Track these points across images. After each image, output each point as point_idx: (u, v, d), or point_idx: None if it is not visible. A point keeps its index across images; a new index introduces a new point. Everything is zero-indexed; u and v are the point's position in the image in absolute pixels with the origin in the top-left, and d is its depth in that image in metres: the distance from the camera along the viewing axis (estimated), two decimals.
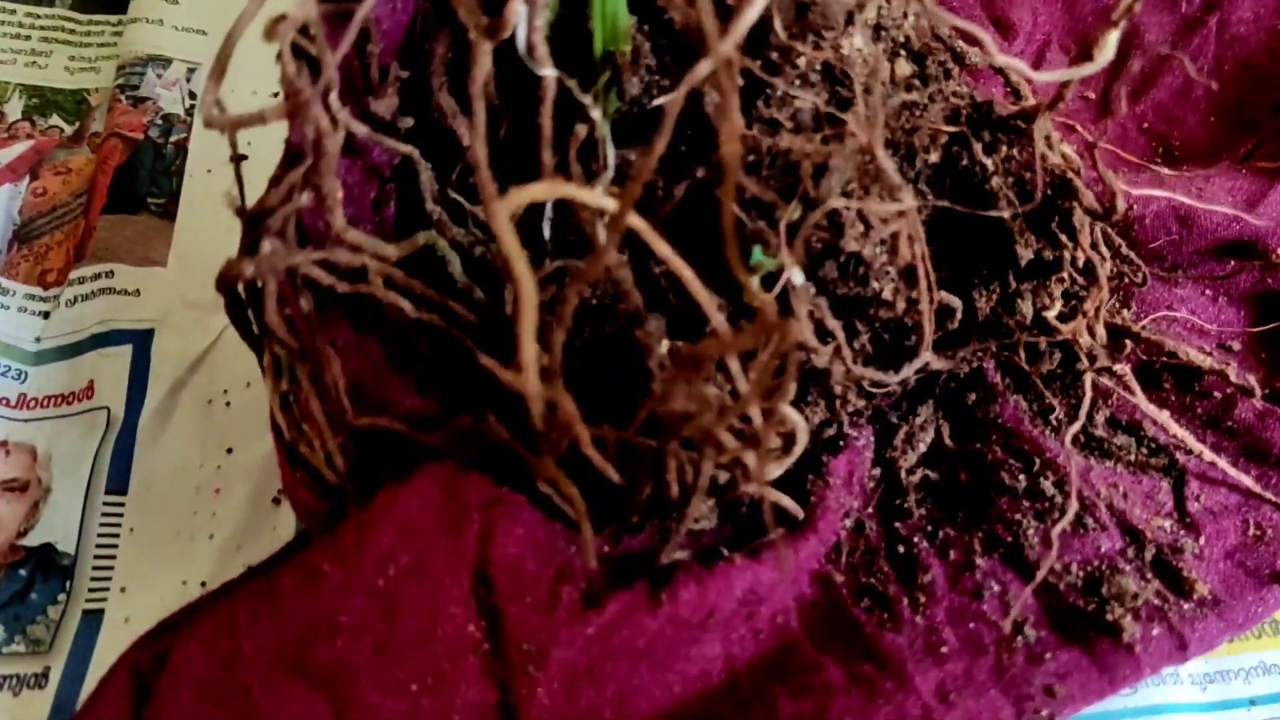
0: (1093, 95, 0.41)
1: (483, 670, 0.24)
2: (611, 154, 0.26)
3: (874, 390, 0.30)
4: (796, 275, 0.25)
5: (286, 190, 0.25)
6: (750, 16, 0.20)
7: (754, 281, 0.23)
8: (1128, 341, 0.31)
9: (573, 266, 0.26)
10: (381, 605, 0.23)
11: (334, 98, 0.25)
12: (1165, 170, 0.34)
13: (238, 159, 0.27)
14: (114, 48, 0.43)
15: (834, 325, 0.26)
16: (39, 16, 0.44)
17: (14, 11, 0.44)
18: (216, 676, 0.23)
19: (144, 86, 0.40)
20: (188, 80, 0.41)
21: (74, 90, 0.42)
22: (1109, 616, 0.26)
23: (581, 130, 0.26)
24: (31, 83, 0.42)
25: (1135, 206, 0.33)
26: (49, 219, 0.38)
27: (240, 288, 0.26)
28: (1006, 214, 0.28)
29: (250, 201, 0.26)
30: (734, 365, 0.23)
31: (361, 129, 0.26)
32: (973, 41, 0.32)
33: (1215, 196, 0.32)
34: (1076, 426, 0.28)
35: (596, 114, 0.25)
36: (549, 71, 0.24)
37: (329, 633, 0.23)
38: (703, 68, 0.19)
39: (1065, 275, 0.29)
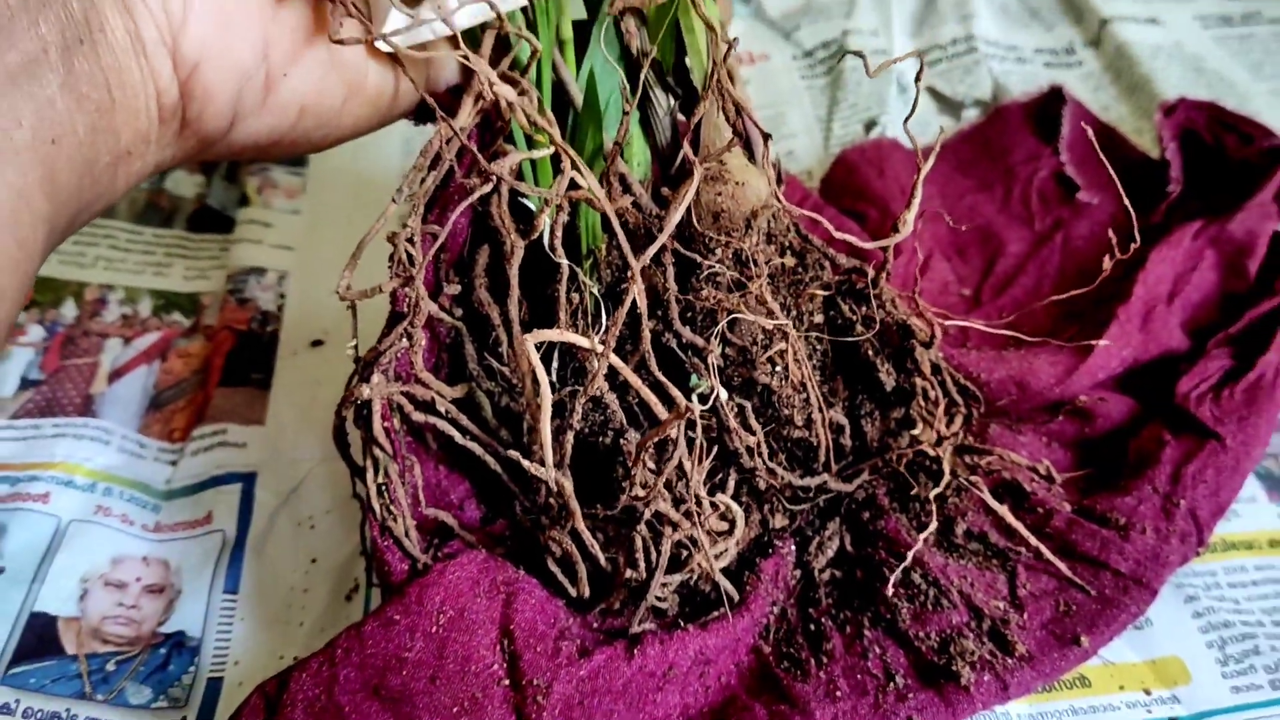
0: (968, 292, 0.53)
1: (504, 699, 0.34)
2: (602, 312, 0.37)
3: (794, 509, 0.41)
4: (721, 392, 0.36)
5: (390, 341, 0.36)
6: (675, 218, 0.32)
7: (693, 399, 0.34)
8: (977, 467, 0.41)
9: (574, 392, 0.37)
10: (435, 646, 0.33)
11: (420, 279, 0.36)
12: (1011, 350, 0.46)
13: (335, 334, 0.38)
14: (220, 260, 0.56)
15: (755, 427, 0.37)
16: (162, 236, 0.57)
17: (142, 233, 0.57)
18: (319, 696, 0.33)
19: (247, 290, 0.53)
20: (279, 284, 0.54)
21: (190, 293, 0.54)
22: (953, 668, 0.36)
23: (575, 298, 0.37)
24: (157, 288, 0.54)
25: (984, 375, 0.44)
26: (175, 390, 0.49)
27: (348, 414, 0.36)
28: (870, 353, 0.40)
29: (317, 364, 0.37)
30: (682, 460, 0.34)
31: (434, 308, 0.38)
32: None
33: (1041, 369, 0.44)
34: (932, 531, 0.38)
35: (592, 286, 0.36)
36: (563, 260, 0.35)
37: (397, 665, 0.33)
38: (647, 254, 0.31)
39: (921, 403, 0.40)
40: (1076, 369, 0.44)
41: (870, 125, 0.59)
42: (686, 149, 0.31)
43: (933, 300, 0.51)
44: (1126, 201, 0.40)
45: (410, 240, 0.34)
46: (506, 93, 0.31)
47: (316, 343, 0.51)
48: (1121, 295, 0.46)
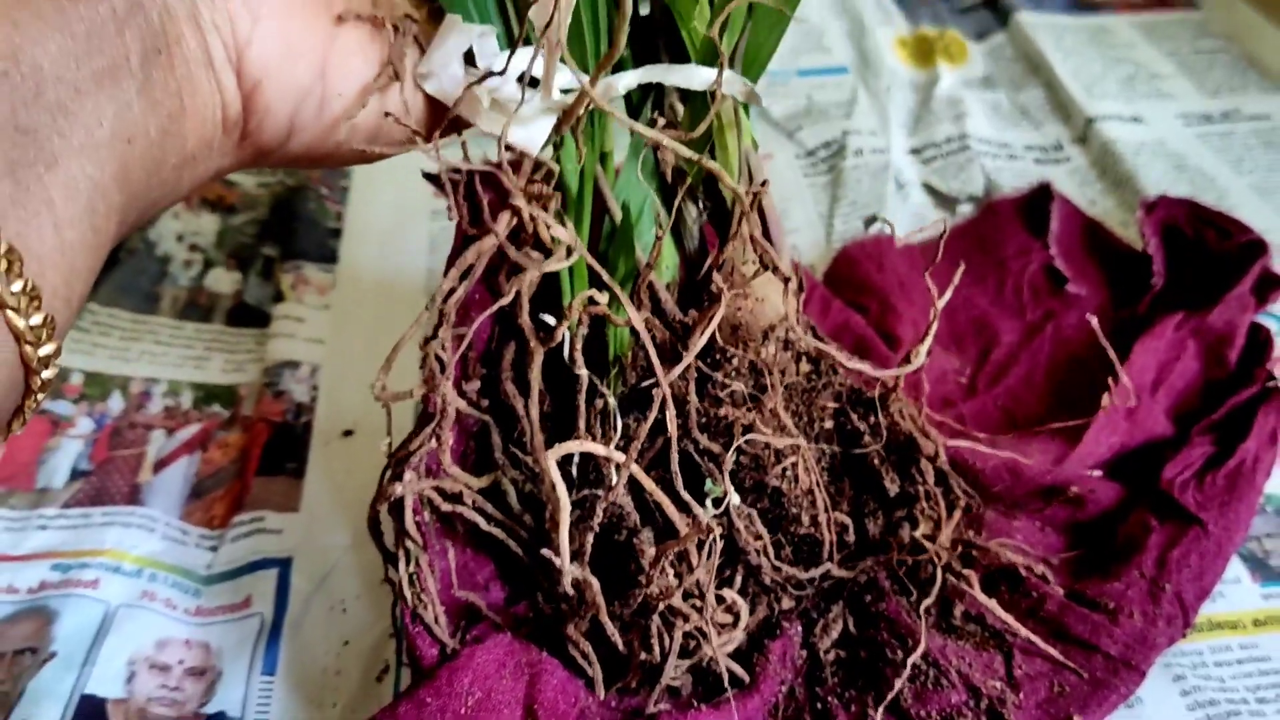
0: (964, 380, 0.56)
1: None
2: (619, 421, 0.40)
3: (800, 594, 0.43)
4: (734, 497, 0.39)
5: (421, 441, 0.39)
6: (700, 343, 0.35)
7: (707, 506, 0.37)
8: (974, 554, 0.44)
9: (592, 495, 0.39)
10: None
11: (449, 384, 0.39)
12: (1004, 438, 0.49)
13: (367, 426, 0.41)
14: (256, 353, 0.59)
15: (762, 531, 0.40)
16: (202, 331, 0.60)
17: (183, 328, 0.60)
18: None
19: (282, 383, 0.56)
20: (311, 377, 0.57)
21: (228, 385, 0.57)
22: None
23: (599, 404, 0.40)
24: (198, 380, 0.57)
25: (980, 464, 0.47)
26: (215, 479, 0.52)
27: (382, 509, 0.39)
28: (876, 461, 0.42)
29: (347, 454, 0.40)
30: (695, 561, 0.37)
31: (462, 403, 0.41)
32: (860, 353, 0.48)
33: (1034, 457, 0.47)
34: (932, 617, 0.41)
35: (610, 397, 0.39)
36: (583, 371, 0.38)
37: None
38: (674, 371, 0.34)
39: (923, 506, 0.43)
40: (1067, 457, 0.46)
41: (870, 221, 0.62)
42: (716, 278, 0.34)
43: (932, 389, 0.53)
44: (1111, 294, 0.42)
45: (440, 348, 0.37)
46: (540, 216, 0.34)
47: (347, 433, 0.54)
48: (1109, 385, 0.49)
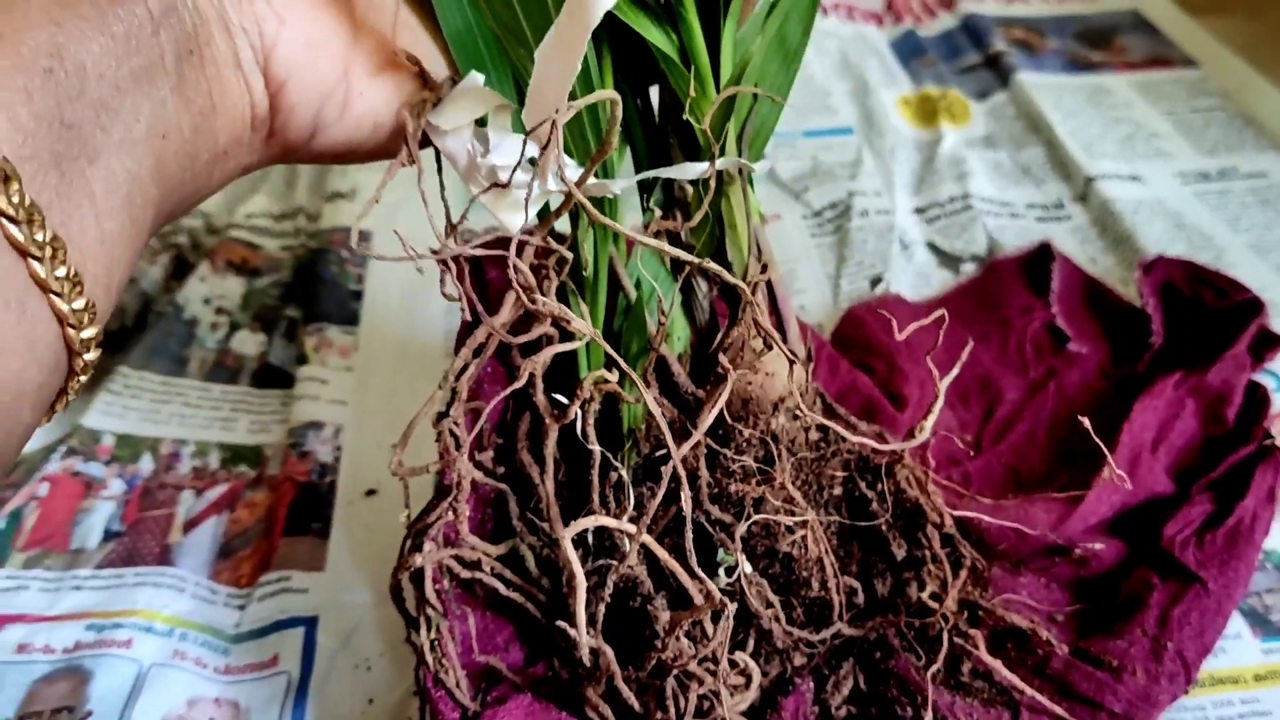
0: (969, 437, 0.58)
1: None
2: (631, 494, 0.41)
3: (811, 651, 0.44)
4: (746, 566, 0.40)
5: (439, 514, 0.40)
6: (708, 422, 0.37)
7: (720, 575, 0.39)
8: (980, 614, 0.45)
9: (607, 565, 0.41)
10: None
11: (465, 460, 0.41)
12: (1010, 498, 0.50)
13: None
14: (281, 414, 0.61)
15: (773, 599, 0.41)
16: (229, 393, 0.62)
17: (210, 390, 0.62)
18: None
19: (307, 444, 0.58)
20: (335, 438, 0.59)
21: (254, 445, 0.59)
22: None
23: (613, 476, 0.42)
24: (224, 441, 0.59)
25: (985, 523, 0.48)
26: (242, 539, 0.53)
27: (404, 575, 0.41)
28: (883, 525, 0.44)
29: (371, 513, 0.42)
30: (710, 632, 0.38)
31: (478, 474, 0.42)
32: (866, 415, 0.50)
33: (1037, 515, 0.48)
34: (938, 671, 0.42)
35: (623, 471, 0.41)
36: (595, 446, 0.40)
37: None
38: (684, 448, 0.36)
39: (930, 568, 0.44)
40: (1071, 516, 0.48)
41: (876, 281, 0.64)
42: (723, 360, 0.36)
43: (938, 446, 0.55)
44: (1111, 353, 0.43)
45: (454, 425, 0.39)
46: (552, 308, 0.36)
47: (370, 492, 0.55)
48: (1110, 444, 0.50)
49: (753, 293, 0.37)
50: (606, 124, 0.33)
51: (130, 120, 0.29)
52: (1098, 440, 0.41)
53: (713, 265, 0.33)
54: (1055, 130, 0.76)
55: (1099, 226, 0.69)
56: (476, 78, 0.36)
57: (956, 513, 0.43)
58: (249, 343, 0.65)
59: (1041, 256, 0.64)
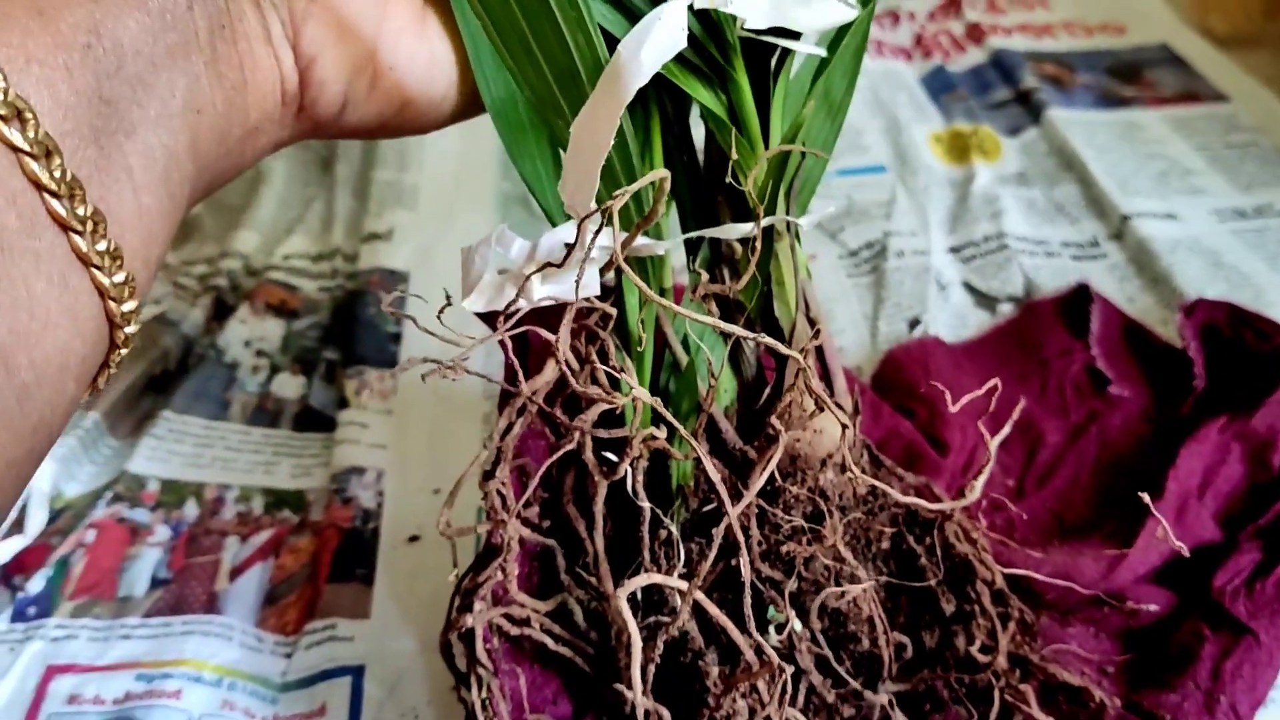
0: (1011, 483, 0.57)
1: None
2: (681, 550, 0.42)
3: (860, 704, 0.44)
4: (796, 623, 0.40)
5: (488, 574, 0.40)
6: (760, 483, 0.37)
7: (770, 631, 0.39)
8: (1030, 667, 0.45)
9: (658, 622, 0.41)
10: None
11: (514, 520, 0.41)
12: (1057, 546, 0.50)
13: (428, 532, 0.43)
14: (322, 457, 0.61)
15: (825, 653, 0.41)
16: (270, 436, 0.63)
17: (251, 433, 0.63)
18: None
19: (350, 489, 0.58)
20: (377, 482, 0.59)
21: (296, 490, 0.60)
22: None
23: (663, 533, 0.42)
24: (267, 486, 0.60)
25: (1033, 573, 0.48)
26: (287, 585, 0.54)
27: (453, 638, 0.41)
28: (932, 582, 0.44)
29: (414, 559, 0.42)
30: (765, 696, 0.38)
31: (525, 532, 0.43)
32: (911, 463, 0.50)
33: (1085, 566, 0.48)
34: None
35: (673, 529, 0.41)
36: (646, 504, 0.40)
37: None
38: (733, 512, 0.36)
39: (979, 622, 0.44)
40: (1119, 565, 0.47)
41: (914, 323, 0.64)
42: (775, 423, 0.36)
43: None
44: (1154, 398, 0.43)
45: (501, 485, 0.39)
46: (600, 382, 0.36)
47: (413, 538, 0.56)
48: (1156, 490, 0.50)
49: (804, 355, 0.37)
50: (654, 193, 0.34)
51: (166, 95, 0.29)
52: (1145, 495, 0.41)
53: (767, 340, 0.33)
54: (1088, 167, 0.76)
55: (1135, 265, 0.69)
56: (503, 230, 0.36)
57: (1007, 570, 0.43)
58: (289, 386, 0.66)
59: (1079, 297, 0.64)
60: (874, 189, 0.76)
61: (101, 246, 0.27)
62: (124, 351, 0.30)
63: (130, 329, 0.30)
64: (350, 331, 0.68)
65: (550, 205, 0.38)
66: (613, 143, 0.30)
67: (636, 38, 0.28)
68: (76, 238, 0.27)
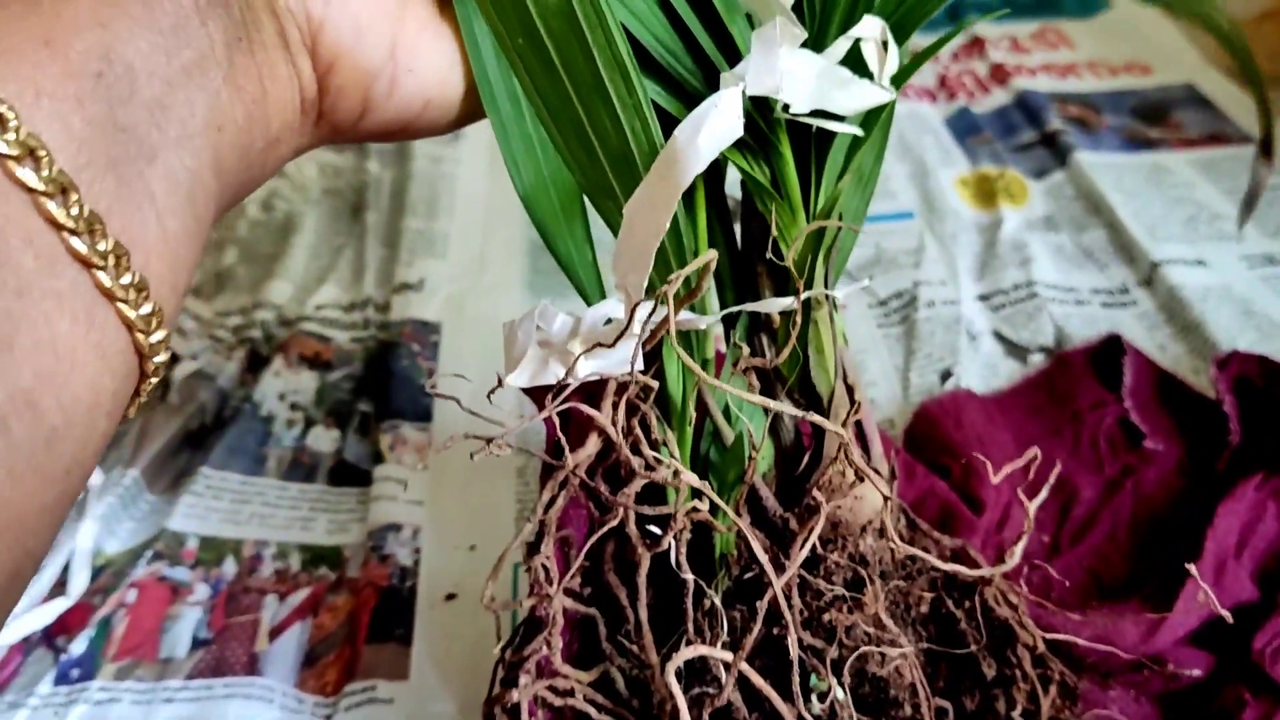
0: (1046, 539, 0.57)
1: None
2: (724, 618, 0.42)
3: None
4: (839, 692, 0.40)
5: (533, 648, 0.41)
6: (803, 556, 0.37)
7: (813, 700, 0.39)
8: None
9: (703, 693, 0.41)
10: None
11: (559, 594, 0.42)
12: (1096, 607, 0.50)
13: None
14: (358, 513, 0.62)
15: None
16: (306, 491, 0.63)
17: (288, 488, 0.64)
18: None
19: (387, 546, 0.58)
20: (414, 539, 0.59)
21: (333, 546, 0.60)
22: None
23: (706, 603, 0.42)
24: (304, 542, 0.60)
25: (1073, 636, 0.48)
26: (326, 645, 0.54)
27: (499, 708, 0.41)
28: (973, 648, 0.44)
29: (451, 619, 0.42)
30: None
31: (568, 602, 0.43)
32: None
33: (1126, 629, 0.48)
34: None
35: (716, 599, 0.41)
36: (689, 576, 0.40)
37: None
38: (780, 580, 0.36)
39: (1019, 686, 0.44)
40: (1159, 628, 0.47)
41: (945, 376, 0.64)
42: (817, 495, 0.36)
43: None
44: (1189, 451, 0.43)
45: (545, 560, 0.40)
46: (642, 454, 0.36)
47: (450, 596, 0.56)
48: (1194, 554, 0.50)
49: (845, 424, 0.37)
50: (698, 274, 0.34)
51: (185, 115, 0.29)
52: (1190, 566, 0.41)
53: (814, 417, 0.33)
54: (1117, 212, 0.76)
55: (1166, 313, 0.69)
56: (545, 306, 0.36)
57: (1049, 635, 0.43)
58: (324, 439, 0.66)
59: (1111, 349, 0.64)
60: (902, 236, 0.76)
61: (126, 280, 0.27)
62: (154, 380, 0.30)
63: (159, 358, 0.29)
64: (384, 384, 0.68)
65: (585, 284, 0.39)
66: None
67: (693, 124, 0.29)
68: (99, 273, 0.26)
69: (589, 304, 0.38)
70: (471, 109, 0.38)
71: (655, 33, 0.35)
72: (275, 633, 0.54)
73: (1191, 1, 0.47)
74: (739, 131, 0.29)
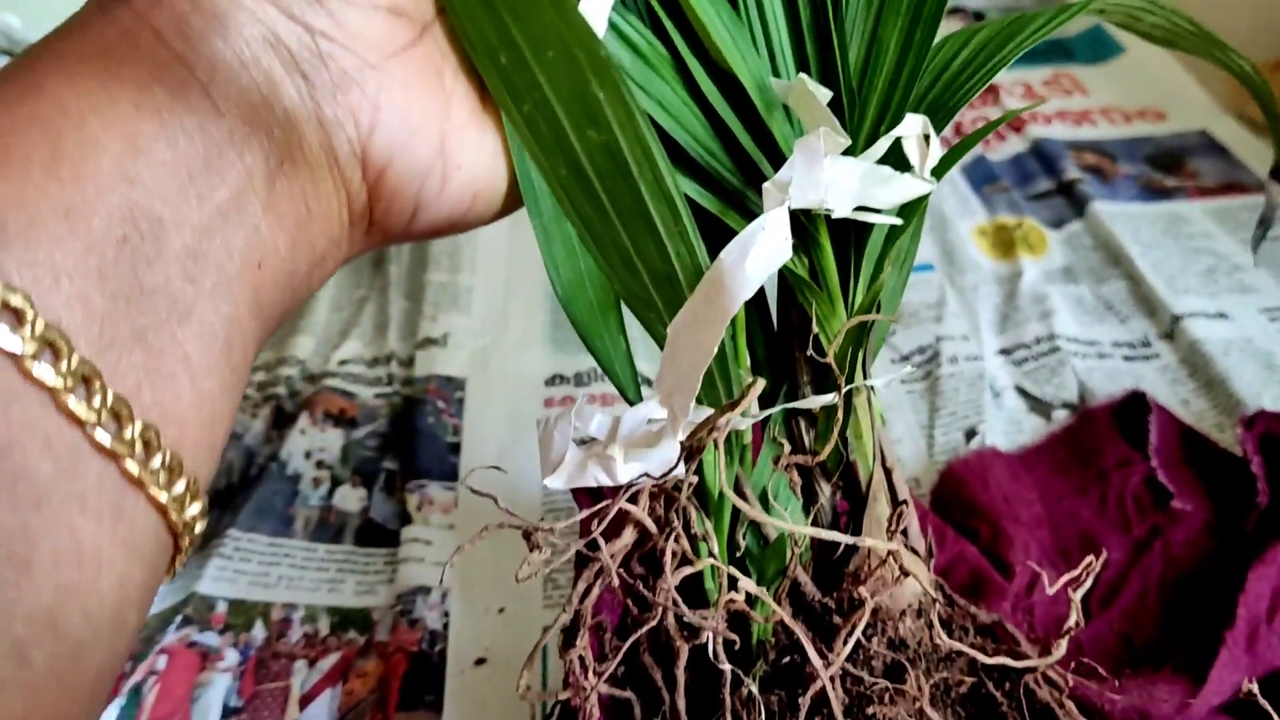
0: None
1: None
2: (761, 706, 0.42)
3: None
4: None
5: None
6: (846, 650, 0.37)
7: None
8: None
9: None
10: None
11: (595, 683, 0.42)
12: (1129, 676, 0.50)
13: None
14: (386, 574, 0.62)
15: None
16: (334, 552, 0.64)
17: (316, 550, 0.64)
18: None
19: (416, 610, 0.59)
20: (443, 602, 0.59)
21: (361, 609, 0.60)
22: None
23: (743, 691, 0.42)
24: (333, 604, 0.60)
25: (1108, 705, 0.48)
26: (356, 712, 0.54)
27: None
28: None
29: (481, 684, 0.42)
30: None
31: (605, 687, 0.43)
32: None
33: (1160, 698, 0.48)
34: None
35: (753, 687, 0.41)
36: (727, 666, 0.40)
37: None
38: (825, 675, 0.36)
39: None
40: (1194, 696, 0.47)
41: (970, 434, 0.64)
42: (861, 591, 0.36)
43: (1044, 612, 0.55)
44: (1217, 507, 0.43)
45: (582, 652, 0.40)
46: (680, 548, 0.36)
47: (479, 661, 0.56)
48: (1226, 618, 0.50)
49: (890, 534, 0.37)
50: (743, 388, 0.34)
51: (222, 260, 0.27)
52: (1218, 626, 0.41)
53: (868, 542, 0.33)
54: (1135, 264, 0.77)
55: (1188, 367, 0.69)
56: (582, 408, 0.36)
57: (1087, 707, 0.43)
58: (350, 499, 0.66)
59: (1135, 405, 0.64)
60: (923, 289, 0.77)
61: (156, 462, 0.24)
62: (190, 550, 0.27)
63: (197, 529, 0.27)
64: (410, 442, 0.69)
65: (623, 381, 0.39)
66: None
67: (740, 247, 0.29)
68: (127, 462, 0.24)
69: (626, 399, 0.39)
70: (517, 199, 0.37)
71: (693, 132, 0.35)
72: (306, 700, 0.54)
73: (1212, 45, 0.47)
74: (788, 254, 0.29)
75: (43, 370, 0.22)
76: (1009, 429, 0.66)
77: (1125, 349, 0.71)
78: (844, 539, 0.32)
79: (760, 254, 0.28)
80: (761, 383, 0.30)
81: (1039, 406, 0.67)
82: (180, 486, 0.25)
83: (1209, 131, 0.93)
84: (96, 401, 0.23)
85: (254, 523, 0.64)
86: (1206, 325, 0.71)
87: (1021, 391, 0.68)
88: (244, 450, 0.69)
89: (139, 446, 0.24)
